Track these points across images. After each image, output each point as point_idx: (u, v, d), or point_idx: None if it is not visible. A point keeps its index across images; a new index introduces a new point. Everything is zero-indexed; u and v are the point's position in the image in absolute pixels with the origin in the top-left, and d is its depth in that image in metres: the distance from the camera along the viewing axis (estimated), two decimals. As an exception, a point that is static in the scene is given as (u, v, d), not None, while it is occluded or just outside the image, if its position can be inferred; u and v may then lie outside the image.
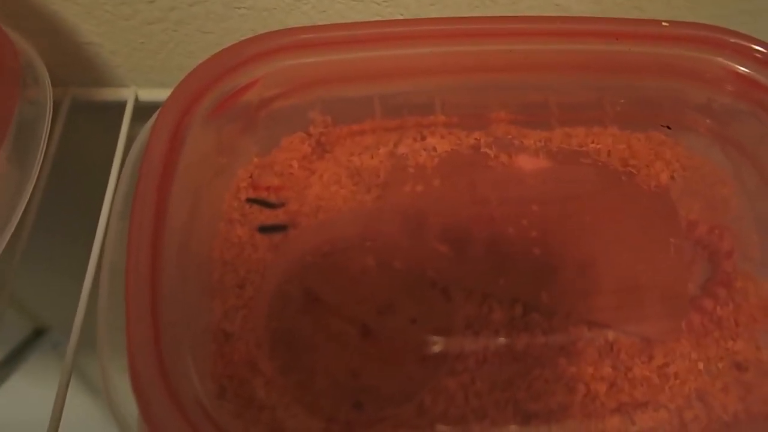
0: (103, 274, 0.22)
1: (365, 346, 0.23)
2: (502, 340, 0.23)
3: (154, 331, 0.20)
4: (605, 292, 0.24)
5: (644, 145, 0.28)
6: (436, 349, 0.23)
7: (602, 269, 0.24)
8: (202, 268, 0.24)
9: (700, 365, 0.24)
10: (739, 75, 0.27)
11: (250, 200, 0.25)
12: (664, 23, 0.27)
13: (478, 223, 0.24)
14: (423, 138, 0.27)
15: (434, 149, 0.26)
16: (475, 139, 0.27)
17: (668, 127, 0.27)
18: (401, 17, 0.31)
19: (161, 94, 0.34)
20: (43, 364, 0.57)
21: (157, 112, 0.24)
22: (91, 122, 0.35)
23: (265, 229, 0.24)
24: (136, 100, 0.34)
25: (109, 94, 0.34)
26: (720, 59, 0.27)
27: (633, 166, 0.27)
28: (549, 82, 0.29)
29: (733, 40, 0.26)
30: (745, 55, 0.26)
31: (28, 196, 0.24)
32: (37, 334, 0.57)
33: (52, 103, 0.27)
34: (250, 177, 0.26)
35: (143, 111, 0.34)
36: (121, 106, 0.33)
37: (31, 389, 0.57)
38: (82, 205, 0.36)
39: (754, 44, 0.26)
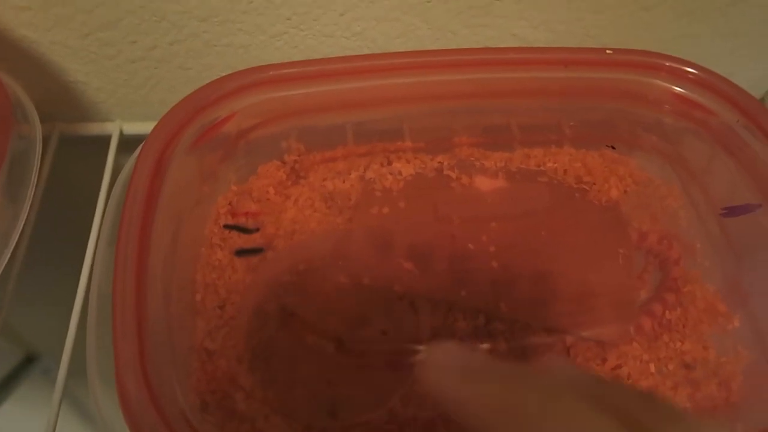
0: (92, 298, 0.23)
1: (339, 358, 0.24)
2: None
3: (140, 349, 0.21)
4: (560, 300, 0.26)
5: (599, 163, 0.30)
6: (406, 358, 0.25)
7: (556, 279, 0.26)
8: (185, 290, 0.25)
9: (652, 366, 0.25)
10: (676, 95, 0.29)
11: (227, 227, 0.27)
12: (608, 51, 0.29)
13: (441, 240, 0.26)
14: (390, 163, 0.29)
15: (400, 173, 0.28)
16: (439, 162, 0.29)
17: (612, 147, 0.29)
18: (369, 51, 0.33)
19: (145, 128, 0.35)
20: (35, 390, 0.57)
21: (142, 145, 0.26)
22: (78, 155, 0.36)
23: (241, 253, 0.26)
24: (121, 133, 0.35)
25: (95, 128, 0.35)
26: (658, 81, 0.29)
27: (586, 183, 0.29)
28: (508, 107, 0.31)
29: (668, 64, 0.29)
30: (679, 76, 0.29)
31: (21, 227, 0.25)
32: (29, 360, 0.58)
33: (41, 139, 0.28)
34: (230, 204, 0.28)
35: (128, 144, 0.35)
36: (106, 139, 0.35)
37: (23, 416, 0.57)
38: (70, 235, 0.37)
39: (687, 66, 0.28)
